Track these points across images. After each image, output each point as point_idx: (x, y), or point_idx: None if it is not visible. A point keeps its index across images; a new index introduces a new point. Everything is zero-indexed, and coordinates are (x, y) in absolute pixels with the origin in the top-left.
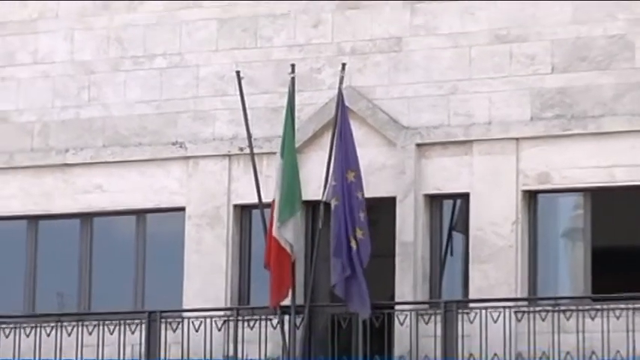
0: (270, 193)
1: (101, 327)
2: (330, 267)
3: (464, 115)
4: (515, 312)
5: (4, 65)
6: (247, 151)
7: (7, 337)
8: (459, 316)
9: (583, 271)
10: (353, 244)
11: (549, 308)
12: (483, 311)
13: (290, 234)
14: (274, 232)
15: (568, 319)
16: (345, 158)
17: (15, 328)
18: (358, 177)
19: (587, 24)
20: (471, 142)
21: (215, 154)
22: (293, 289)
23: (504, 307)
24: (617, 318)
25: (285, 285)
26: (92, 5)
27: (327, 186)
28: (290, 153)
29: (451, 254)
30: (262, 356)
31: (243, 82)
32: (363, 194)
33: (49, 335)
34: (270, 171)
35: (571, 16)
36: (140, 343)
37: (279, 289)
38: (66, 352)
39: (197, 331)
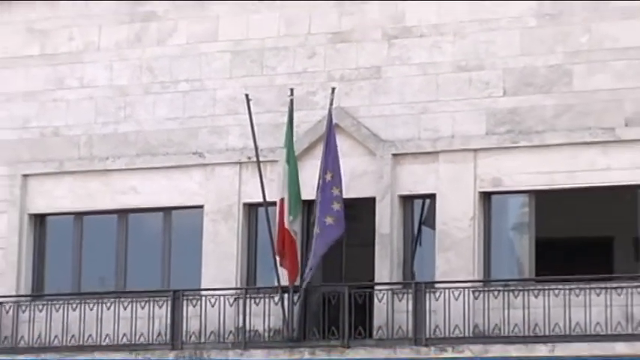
0: (273, 193)
1: (134, 303)
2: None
3: (431, 130)
4: (473, 291)
5: (56, 89)
6: (254, 159)
7: (57, 311)
8: (427, 295)
9: (528, 258)
10: (317, 229)
11: (500, 288)
12: (447, 291)
13: (297, 227)
14: (287, 225)
15: (516, 297)
16: (326, 162)
17: (64, 304)
18: (335, 176)
19: (531, 56)
20: (437, 152)
21: (228, 161)
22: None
23: (464, 288)
24: (556, 296)
25: (296, 267)
26: (127, 39)
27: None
28: (293, 161)
29: (420, 244)
30: (266, 327)
31: (251, 103)
32: (340, 190)
33: (91, 310)
34: (273, 175)
35: (519, 49)
36: (166, 317)
37: (293, 271)
38: (105, 324)
39: (213, 306)
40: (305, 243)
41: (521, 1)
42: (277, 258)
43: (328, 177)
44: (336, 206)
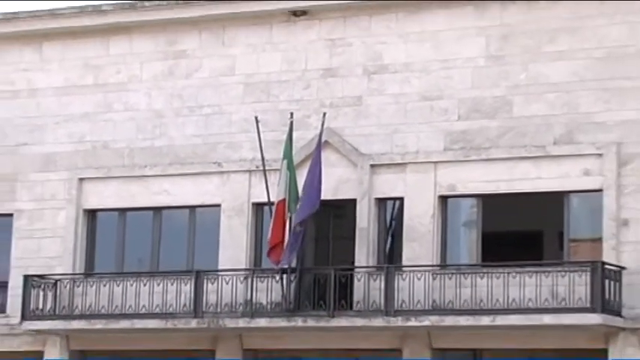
0: (276, 195)
1: (165, 281)
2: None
3: (401, 147)
4: (432, 274)
5: (105, 111)
6: (261, 168)
7: (104, 286)
8: (396, 276)
9: (475, 247)
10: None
11: (454, 272)
12: (411, 273)
13: (295, 221)
14: (286, 218)
15: (466, 279)
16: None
17: (109, 281)
18: (315, 181)
19: (480, 88)
20: (405, 164)
21: (240, 169)
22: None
23: (425, 271)
24: (497, 278)
25: (282, 251)
26: (162, 73)
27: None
28: (292, 169)
29: (392, 236)
30: (269, 300)
31: (259, 123)
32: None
33: (131, 285)
34: (276, 181)
35: (470, 83)
36: (190, 292)
37: (280, 253)
38: (142, 297)
39: (227, 284)
40: None
41: (470, 45)
42: (269, 244)
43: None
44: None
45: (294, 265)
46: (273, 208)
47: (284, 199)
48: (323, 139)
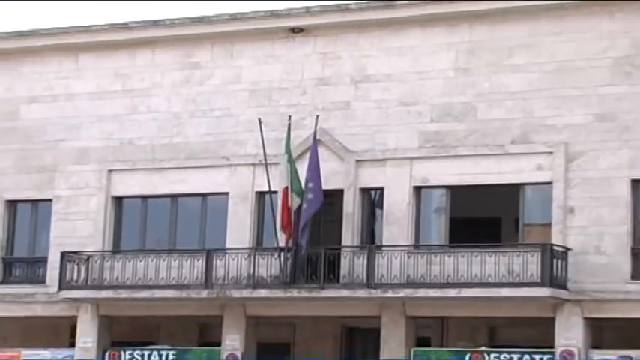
0: (275, 186)
1: (180, 257)
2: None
3: (382, 145)
4: (407, 253)
5: (131, 113)
6: (263, 162)
7: (129, 262)
8: (376, 255)
9: (444, 231)
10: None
11: (425, 251)
12: (390, 252)
13: (295, 206)
14: (289, 205)
15: (435, 257)
16: (309, 169)
17: (133, 257)
18: (314, 177)
19: (450, 96)
20: (385, 159)
21: (245, 163)
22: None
23: (401, 250)
24: (462, 257)
25: (292, 233)
26: (180, 81)
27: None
28: (291, 163)
29: (374, 220)
30: (269, 274)
31: (262, 124)
32: (316, 184)
33: (152, 261)
34: (275, 174)
35: (441, 91)
36: (202, 266)
37: (290, 235)
38: (161, 271)
39: (233, 260)
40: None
41: (441, 58)
42: (278, 226)
43: (310, 184)
44: (310, 195)
45: (304, 244)
46: (279, 195)
47: (287, 187)
48: (317, 138)
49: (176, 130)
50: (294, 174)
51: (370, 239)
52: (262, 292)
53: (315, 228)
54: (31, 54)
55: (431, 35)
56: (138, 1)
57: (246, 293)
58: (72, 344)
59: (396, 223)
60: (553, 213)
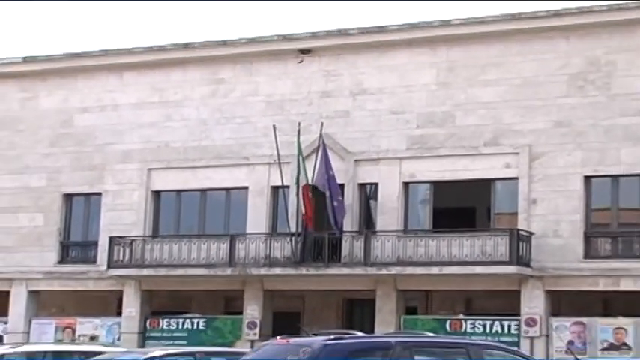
0: (287, 182)
1: (209, 241)
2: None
3: (376, 147)
4: (397, 237)
5: (166, 120)
6: (277, 161)
7: (166, 245)
8: (372, 239)
9: (428, 218)
10: (335, 202)
11: (413, 235)
12: (383, 236)
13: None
14: (309, 197)
15: (421, 240)
16: (326, 165)
17: (169, 240)
18: (333, 177)
19: (432, 106)
20: (379, 159)
21: (262, 162)
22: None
23: (392, 235)
24: (444, 240)
25: (312, 220)
26: (207, 93)
27: (314, 178)
28: (303, 162)
29: (370, 210)
30: (282, 255)
31: (276, 130)
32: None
33: (185, 244)
34: (287, 171)
35: (425, 102)
36: (226, 249)
37: (310, 222)
38: (192, 252)
39: (252, 243)
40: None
41: (425, 74)
42: (304, 214)
43: (332, 173)
44: (339, 194)
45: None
46: (300, 190)
47: (307, 185)
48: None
49: (204, 135)
50: (303, 170)
51: (367, 226)
52: (277, 270)
53: (320, 216)
54: (83, 72)
55: (416, 55)
56: (171, 26)
57: (263, 271)
58: (119, 314)
59: (388, 213)
60: (519, 204)
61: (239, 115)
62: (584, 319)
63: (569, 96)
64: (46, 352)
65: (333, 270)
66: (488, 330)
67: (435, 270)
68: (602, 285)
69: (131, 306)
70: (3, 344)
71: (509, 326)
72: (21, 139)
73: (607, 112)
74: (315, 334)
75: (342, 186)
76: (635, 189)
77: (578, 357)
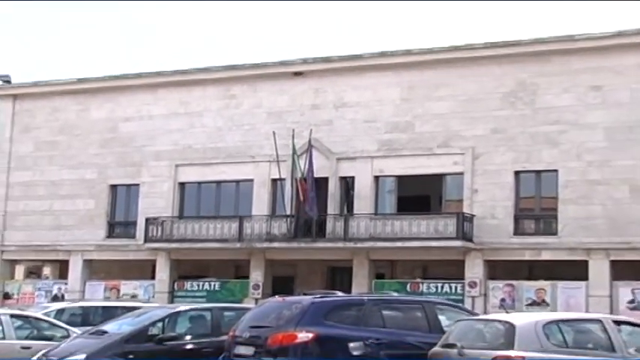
0: (284, 175)
1: (222, 221)
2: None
3: (353, 148)
4: (370, 218)
5: (190, 128)
6: (276, 160)
7: (189, 224)
8: (350, 220)
9: (394, 204)
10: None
11: (381, 217)
12: (358, 218)
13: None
14: (307, 187)
15: (388, 221)
16: (309, 163)
17: (192, 221)
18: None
19: (398, 117)
20: (355, 157)
21: (264, 160)
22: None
23: (366, 217)
24: (406, 221)
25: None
26: (221, 107)
27: (304, 172)
28: (297, 161)
29: (348, 197)
30: (280, 232)
31: (275, 135)
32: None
33: (204, 224)
34: (284, 167)
35: (392, 114)
36: (236, 227)
37: (311, 208)
38: (210, 230)
39: (257, 223)
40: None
41: (391, 92)
42: (302, 202)
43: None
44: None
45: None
46: (295, 183)
47: (301, 177)
48: (311, 145)
49: (219, 139)
50: (297, 166)
51: (347, 209)
52: (275, 244)
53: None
54: (125, 89)
55: (384, 77)
56: (192, 54)
57: (265, 245)
58: (153, 277)
59: (363, 199)
60: (464, 193)
61: (246, 122)
62: (514, 282)
63: (503, 109)
64: (97, 307)
65: (319, 244)
66: (439, 291)
67: (399, 244)
68: (527, 255)
69: (162, 272)
70: (65, 300)
71: (456, 288)
72: (77, 142)
73: (532, 121)
74: (305, 294)
75: (326, 179)
76: (553, 182)
77: (509, 311)
